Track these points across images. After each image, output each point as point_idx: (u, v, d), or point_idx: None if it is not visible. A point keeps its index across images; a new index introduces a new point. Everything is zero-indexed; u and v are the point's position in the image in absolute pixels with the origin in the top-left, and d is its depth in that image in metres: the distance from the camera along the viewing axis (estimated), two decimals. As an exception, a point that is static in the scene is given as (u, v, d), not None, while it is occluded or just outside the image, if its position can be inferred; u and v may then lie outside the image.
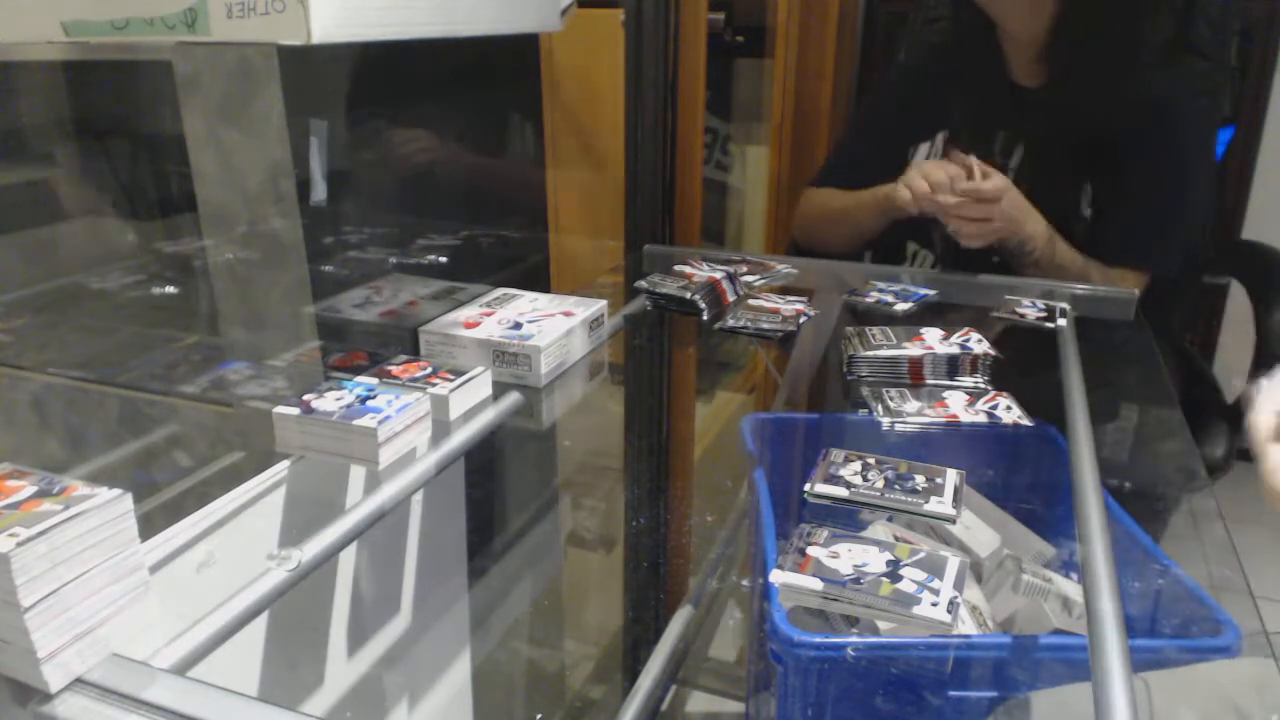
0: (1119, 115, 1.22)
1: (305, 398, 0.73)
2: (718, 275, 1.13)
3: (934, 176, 1.14)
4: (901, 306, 1.12)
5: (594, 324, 0.97)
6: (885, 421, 0.86)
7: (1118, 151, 1.22)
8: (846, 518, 0.78)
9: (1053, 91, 1.25)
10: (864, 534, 0.78)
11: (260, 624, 0.75)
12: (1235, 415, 1.39)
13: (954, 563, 0.67)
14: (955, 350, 0.94)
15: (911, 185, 1.16)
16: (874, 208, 1.30)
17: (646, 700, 0.78)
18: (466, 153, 1.41)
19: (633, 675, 0.81)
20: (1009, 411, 0.87)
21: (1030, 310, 1.11)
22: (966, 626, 0.78)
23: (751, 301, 1.12)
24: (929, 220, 1.33)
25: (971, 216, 1.13)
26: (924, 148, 1.36)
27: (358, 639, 0.92)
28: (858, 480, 0.74)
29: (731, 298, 1.12)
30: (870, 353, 0.95)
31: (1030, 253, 1.19)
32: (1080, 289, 1.19)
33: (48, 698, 0.47)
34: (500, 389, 0.85)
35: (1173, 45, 1.40)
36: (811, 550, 0.68)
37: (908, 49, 1.58)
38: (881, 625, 0.70)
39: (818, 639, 0.65)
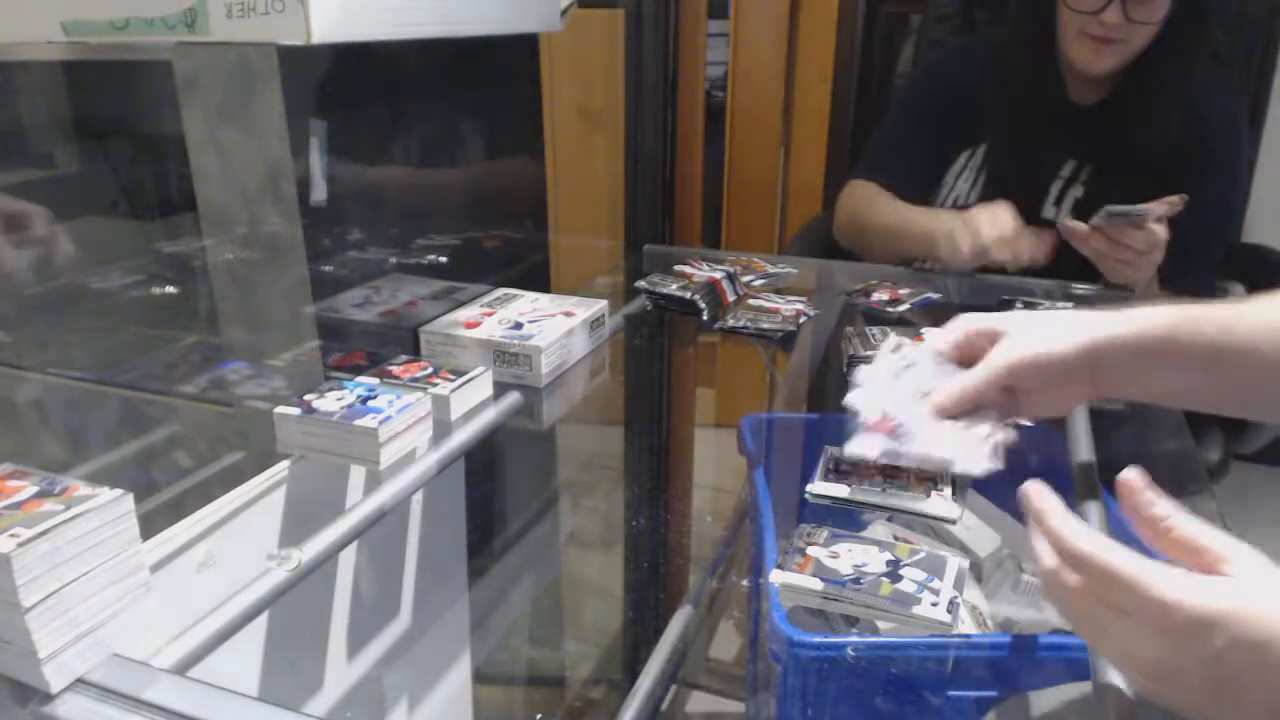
0: (1178, 132, 1.19)
1: (306, 398, 0.73)
2: (718, 275, 1.13)
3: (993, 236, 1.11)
4: (900, 308, 1.12)
5: (594, 324, 0.97)
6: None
7: (1176, 169, 1.19)
8: (846, 518, 0.78)
9: (1112, 111, 1.22)
10: (864, 534, 0.78)
11: (260, 624, 0.75)
12: (1231, 420, 1.38)
13: (954, 563, 0.67)
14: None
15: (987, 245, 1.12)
16: (922, 240, 1.22)
17: (646, 700, 0.78)
18: (466, 153, 1.41)
19: (633, 675, 0.81)
20: (1009, 411, 0.87)
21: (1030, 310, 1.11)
22: (966, 626, 0.78)
23: (751, 301, 1.12)
24: None
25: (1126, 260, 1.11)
26: (962, 157, 1.33)
27: (358, 639, 0.92)
28: (858, 480, 0.74)
29: (731, 298, 1.12)
30: (870, 353, 0.95)
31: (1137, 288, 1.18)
32: (1080, 289, 1.19)
33: (48, 698, 0.47)
34: (501, 389, 0.85)
35: (1209, 53, 1.38)
36: (811, 550, 0.68)
37: (958, 49, 1.51)
38: (881, 625, 0.70)
39: (818, 639, 0.65)
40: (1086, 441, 0.79)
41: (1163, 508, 0.47)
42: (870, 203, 1.33)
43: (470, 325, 0.91)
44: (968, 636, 0.72)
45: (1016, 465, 0.66)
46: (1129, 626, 0.43)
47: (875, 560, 0.68)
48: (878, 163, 1.39)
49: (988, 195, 1.29)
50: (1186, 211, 1.18)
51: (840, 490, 0.73)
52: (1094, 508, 0.69)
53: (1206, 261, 1.25)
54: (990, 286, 1.20)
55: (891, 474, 0.74)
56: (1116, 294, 1.18)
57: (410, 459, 0.73)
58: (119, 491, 0.50)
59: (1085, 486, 0.73)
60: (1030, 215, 1.27)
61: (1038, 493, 0.52)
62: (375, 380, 0.78)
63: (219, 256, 0.83)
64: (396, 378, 0.80)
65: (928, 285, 1.19)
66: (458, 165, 1.19)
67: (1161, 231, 1.08)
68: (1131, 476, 0.49)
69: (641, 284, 1.12)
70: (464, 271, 1.06)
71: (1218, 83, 1.26)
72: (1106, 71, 1.18)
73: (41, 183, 1.00)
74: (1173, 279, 1.22)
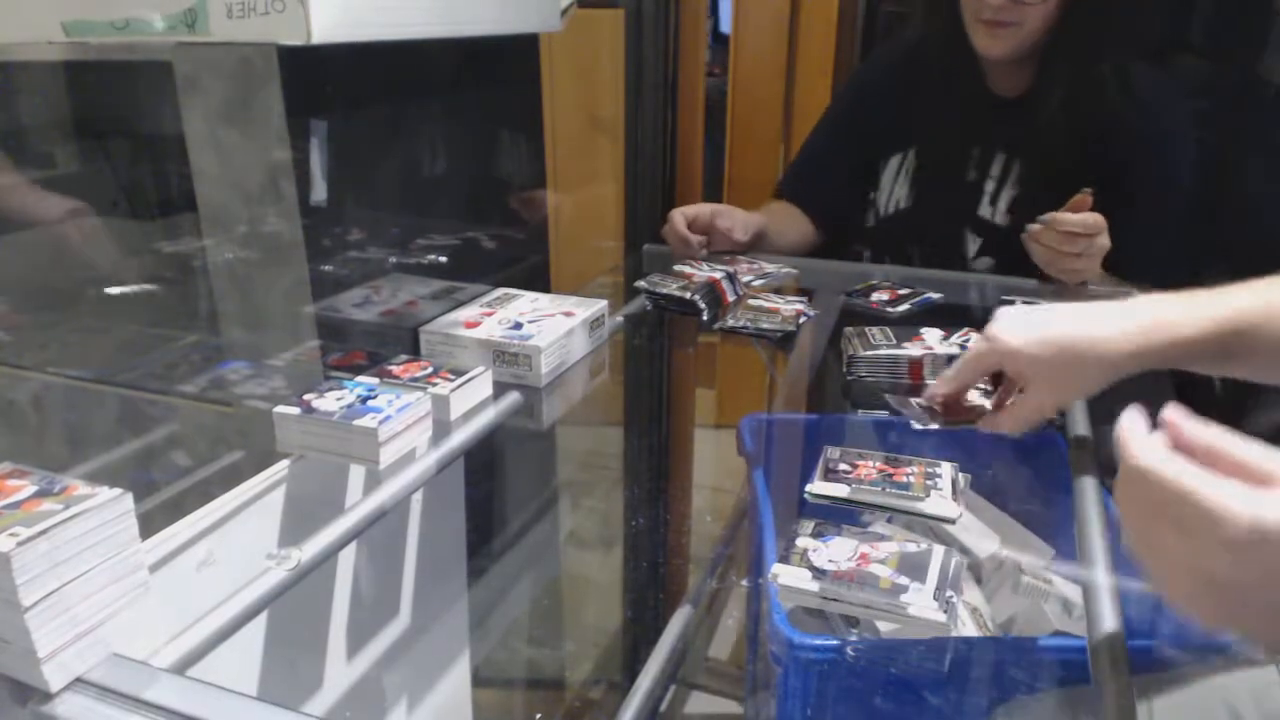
0: (1106, 123, 1.17)
1: (306, 397, 0.73)
2: (718, 275, 1.13)
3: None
4: (900, 308, 1.12)
5: (594, 324, 0.97)
6: (915, 424, 0.84)
7: (1106, 162, 1.17)
8: (846, 518, 0.78)
9: (1035, 102, 1.19)
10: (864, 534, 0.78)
11: (260, 624, 0.75)
12: (1230, 417, 1.37)
13: (951, 562, 0.67)
14: (955, 350, 0.94)
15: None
16: None
17: (646, 700, 0.78)
18: (466, 153, 1.41)
19: (632, 675, 0.81)
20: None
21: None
22: (966, 627, 0.78)
23: (751, 301, 1.12)
24: (906, 240, 1.31)
25: (1072, 251, 1.09)
26: (894, 161, 1.32)
27: (357, 639, 0.92)
28: (858, 480, 0.74)
29: (731, 298, 1.12)
30: (870, 353, 0.95)
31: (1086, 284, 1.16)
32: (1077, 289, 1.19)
33: (48, 697, 0.47)
34: (500, 389, 0.85)
35: (1161, 43, 1.36)
36: (810, 550, 0.68)
37: (876, 54, 1.51)
38: (881, 625, 0.70)
39: (817, 640, 0.65)
40: (1088, 445, 0.79)
41: (1212, 433, 0.47)
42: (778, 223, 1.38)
43: (470, 325, 0.91)
44: (968, 637, 0.72)
45: (1017, 466, 0.66)
46: (1190, 543, 0.43)
47: (875, 560, 0.67)
48: (796, 181, 1.42)
49: (921, 196, 1.29)
50: (1128, 206, 1.15)
51: (840, 490, 0.73)
52: (1095, 512, 0.69)
53: (1156, 254, 1.20)
54: (990, 287, 1.20)
55: (891, 474, 0.74)
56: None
57: (410, 459, 0.72)
58: (118, 491, 0.50)
59: (1080, 462, 0.73)
60: (966, 215, 1.26)
61: (1132, 419, 0.50)
62: (375, 380, 0.78)
63: (219, 256, 0.83)
64: (396, 377, 0.80)
65: (928, 285, 1.19)
66: (458, 165, 1.19)
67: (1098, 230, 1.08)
68: (1174, 412, 0.48)
69: (641, 284, 1.12)
70: (464, 271, 1.06)
71: (1146, 70, 1.22)
72: (1004, 56, 1.16)
73: (42, 183, 1.00)
74: (1123, 271, 1.19)
